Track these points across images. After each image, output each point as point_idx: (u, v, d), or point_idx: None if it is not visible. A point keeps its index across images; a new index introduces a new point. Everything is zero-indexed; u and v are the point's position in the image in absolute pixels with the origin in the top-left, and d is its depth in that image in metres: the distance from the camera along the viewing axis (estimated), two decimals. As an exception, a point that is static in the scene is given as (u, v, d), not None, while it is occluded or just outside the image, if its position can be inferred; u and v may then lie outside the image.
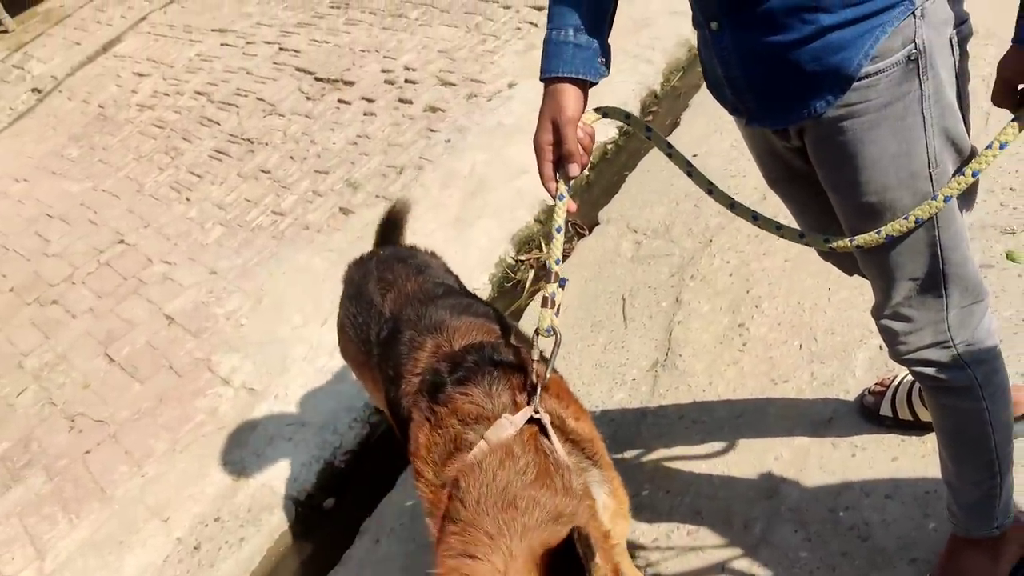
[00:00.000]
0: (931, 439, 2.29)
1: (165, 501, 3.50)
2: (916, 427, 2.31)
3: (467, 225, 4.29)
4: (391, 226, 2.79)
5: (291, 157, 5.49)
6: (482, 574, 1.32)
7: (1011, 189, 2.86)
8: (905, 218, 1.50)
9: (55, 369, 4.52)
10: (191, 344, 4.28)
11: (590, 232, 3.97)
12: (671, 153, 1.76)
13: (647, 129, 1.80)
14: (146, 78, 7.52)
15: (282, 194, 5.18)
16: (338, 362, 3.77)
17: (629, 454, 2.68)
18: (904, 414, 2.33)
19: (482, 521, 1.42)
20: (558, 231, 1.70)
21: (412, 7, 6.62)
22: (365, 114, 5.56)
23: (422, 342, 1.89)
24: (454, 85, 5.40)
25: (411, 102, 5.42)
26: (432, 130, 5.10)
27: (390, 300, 2.14)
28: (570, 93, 1.59)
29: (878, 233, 1.53)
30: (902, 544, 2.11)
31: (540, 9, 5.69)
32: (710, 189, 1.74)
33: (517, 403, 1.66)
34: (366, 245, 4.36)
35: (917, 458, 2.27)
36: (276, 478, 3.40)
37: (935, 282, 1.61)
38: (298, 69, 6.45)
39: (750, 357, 2.78)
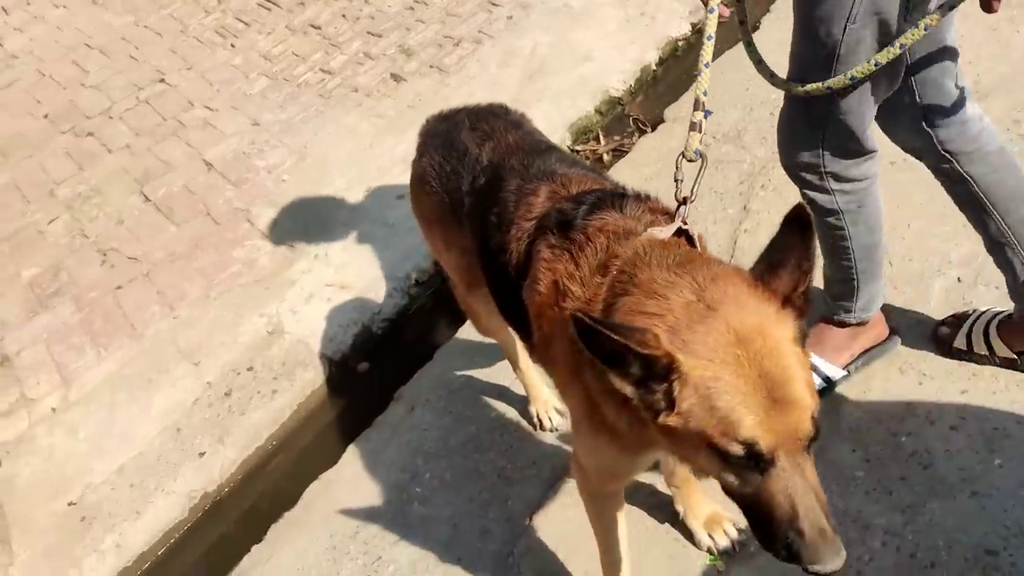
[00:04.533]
0: (1004, 376, 2.25)
1: (196, 345, 3.47)
2: (990, 362, 2.26)
3: (524, 108, 4.03)
4: None
5: (343, 16, 5.30)
6: (676, 303, 1.32)
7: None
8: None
9: (88, 201, 4.45)
10: (230, 193, 4.20)
11: (653, 130, 3.85)
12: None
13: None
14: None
15: (331, 52, 5.02)
16: (381, 229, 3.71)
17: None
18: (980, 348, 2.27)
19: (660, 277, 1.38)
20: (706, 67, 1.80)
21: None
22: (424, -21, 5.34)
23: (534, 188, 1.80)
24: (521, -40, 5.17)
25: (474, -28, 5.20)
26: (494, 4, 4.90)
27: (488, 149, 2.04)
28: None
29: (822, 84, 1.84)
30: (964, 476, 2.08)
31: None
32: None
33: (658, 222, 1.61)
34: (417, 115, 4.24)
35: (988, 394, 2.22)
36: (312, 336, 3.37)
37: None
38: (356, -76, 6.19)
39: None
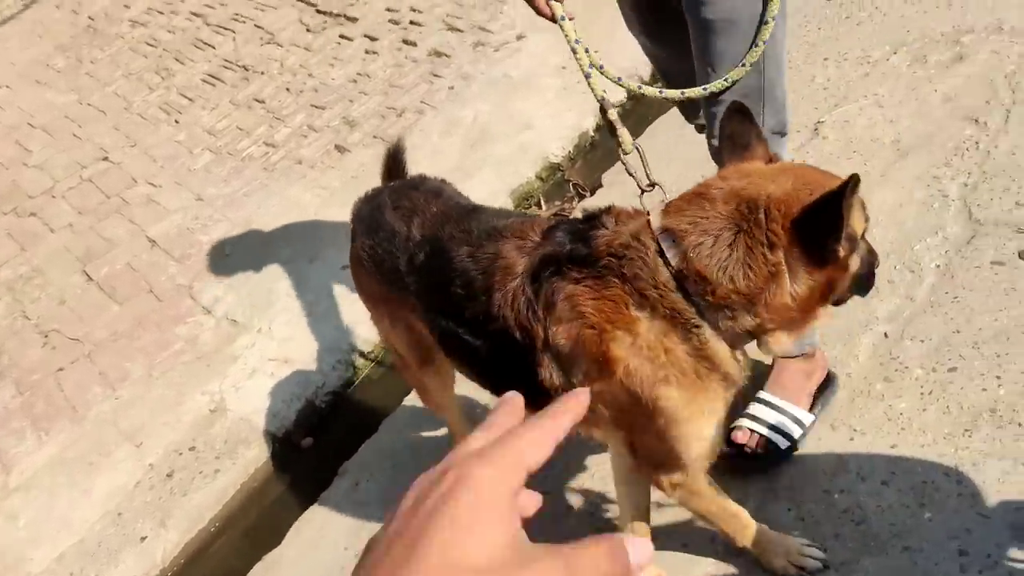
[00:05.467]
0: (931, 430, 2.29)
1: (139, 426, 3.43)
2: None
3: (466, 175, 4.20)
4: (394, 164, 2.67)
5: (287, 89, 5.36)
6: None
7: (1026, 189, 2.85)
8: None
9: (30, 282, 4.41)
10: (173, 269, 4.18)
11: (592, 194, 3.91)
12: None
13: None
14: (140, -6, 7.30)
15: (275, 126, 5.06)
16: (325, 301, 3.71)
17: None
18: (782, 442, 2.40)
19: (723, 211, 1.53)
20: (599, 68, 2.01)
21: (422, -52, 6.46)
22: (367, 52, 5.43)
23: (498, 250, 1.75)
24: (460, 31, 5.27)
25: (415, 44, 5.30)
26: (436, 75, 4.99)
27: (417, 225, 2.01)
28: None
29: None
30: (896, 531, 2.11)
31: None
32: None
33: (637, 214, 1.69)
34: (361, 185, 4.28)
35: (916, 447, 2.26)
36: (255, 412, 3.35)
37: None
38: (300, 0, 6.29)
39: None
